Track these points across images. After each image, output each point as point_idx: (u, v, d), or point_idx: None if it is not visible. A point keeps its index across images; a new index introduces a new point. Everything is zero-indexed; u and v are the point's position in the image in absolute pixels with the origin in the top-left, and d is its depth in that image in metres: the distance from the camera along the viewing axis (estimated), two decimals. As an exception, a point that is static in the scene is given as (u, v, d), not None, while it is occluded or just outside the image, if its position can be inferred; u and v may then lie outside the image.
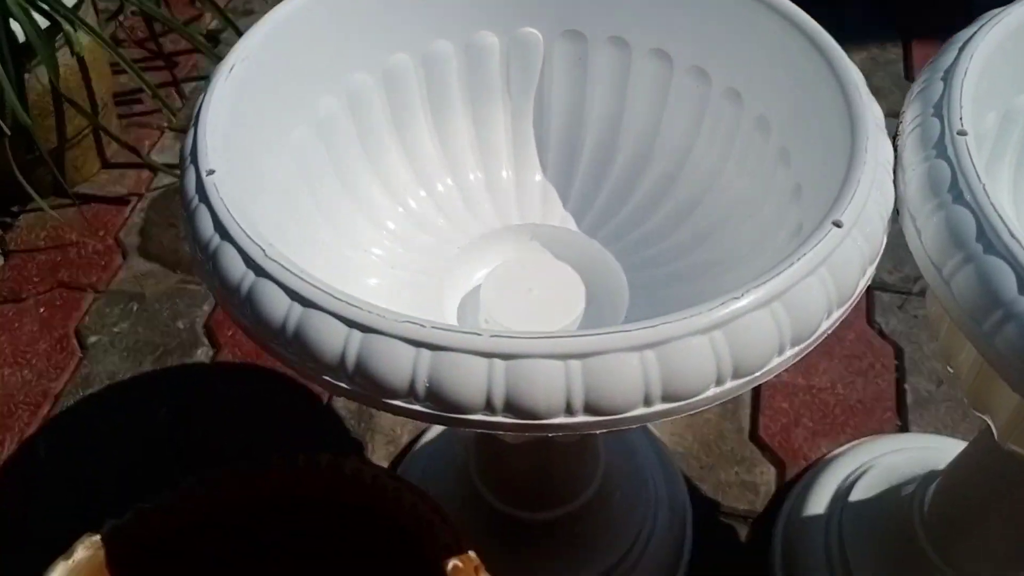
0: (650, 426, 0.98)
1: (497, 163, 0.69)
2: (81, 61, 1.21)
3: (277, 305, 0.40)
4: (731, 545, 0.91)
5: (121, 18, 1.53)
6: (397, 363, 0.38)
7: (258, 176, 0.55)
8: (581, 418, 0.38)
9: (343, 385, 0.39)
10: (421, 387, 0.38)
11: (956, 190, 0.43)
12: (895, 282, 1.13)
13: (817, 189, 0.49)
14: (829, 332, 0.42)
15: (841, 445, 0.97)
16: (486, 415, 0.38)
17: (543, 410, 0.37)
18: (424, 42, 0.65)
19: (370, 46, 0.63)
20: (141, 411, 1.06)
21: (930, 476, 0.78)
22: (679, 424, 1.01)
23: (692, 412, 0.39)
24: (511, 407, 0.37)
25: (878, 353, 1.07)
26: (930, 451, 0.89)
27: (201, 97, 0.54)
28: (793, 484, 0.94)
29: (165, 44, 1.50)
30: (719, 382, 0.39)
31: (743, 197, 0.59)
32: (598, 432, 0.38)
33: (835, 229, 0.41)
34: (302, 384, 1.08)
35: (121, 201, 1.32)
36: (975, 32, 0.52)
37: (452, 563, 0.54)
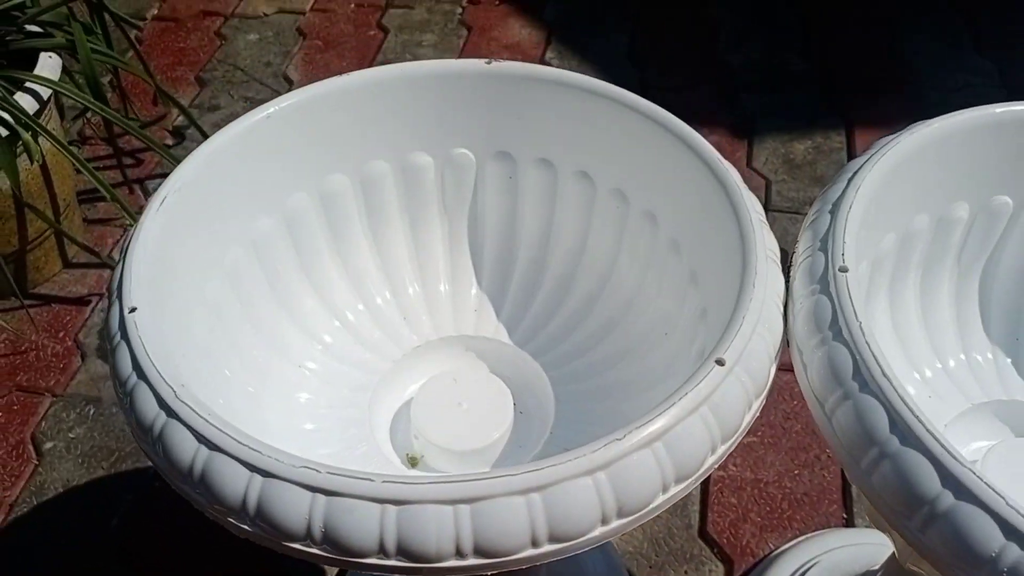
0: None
1: (434, 277, 0.71)
2: (43, 166, 1.24)
3: (186, 447, 0.42)
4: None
5: (88, 115, 1.56)
6: (294, 508, 0.39)
7: (187, 302, 0.57)
8: (472, 560, 0.39)
9: (246, 527, 0.40)
10: (317, 531, 0.39)
11: (836, 327, 0.45)
12: (841, 374, 1.15)
13: (718, 313, 0.51)
14: (715, 466, 0.43)
15: (788, 540, 0.98)
16: (380, 559, 0.39)
17: (434, 554, 0.39)
18: (361, 163, 0.68)
19: (307, 169, 0.66)
20: (93, 520, 1.06)
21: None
22: (629, 521, 1.01)
23: (579, 551, 0.40)
24: (404, 551, 0.39)
25: (824, 444, 1.08)
26: (872, 547, 0.90)
27: (131, 231, 0.55)
28: (741, 583, 0.95)
29: (132, 140, 1.53)
30: (604, 522, 0.40)
31: (659, 316, 0.62)
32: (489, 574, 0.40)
33: (716, 367, 0.43)
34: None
35: (82, 301, 1.33)
36: (865, 161, 0.55)
37: None
